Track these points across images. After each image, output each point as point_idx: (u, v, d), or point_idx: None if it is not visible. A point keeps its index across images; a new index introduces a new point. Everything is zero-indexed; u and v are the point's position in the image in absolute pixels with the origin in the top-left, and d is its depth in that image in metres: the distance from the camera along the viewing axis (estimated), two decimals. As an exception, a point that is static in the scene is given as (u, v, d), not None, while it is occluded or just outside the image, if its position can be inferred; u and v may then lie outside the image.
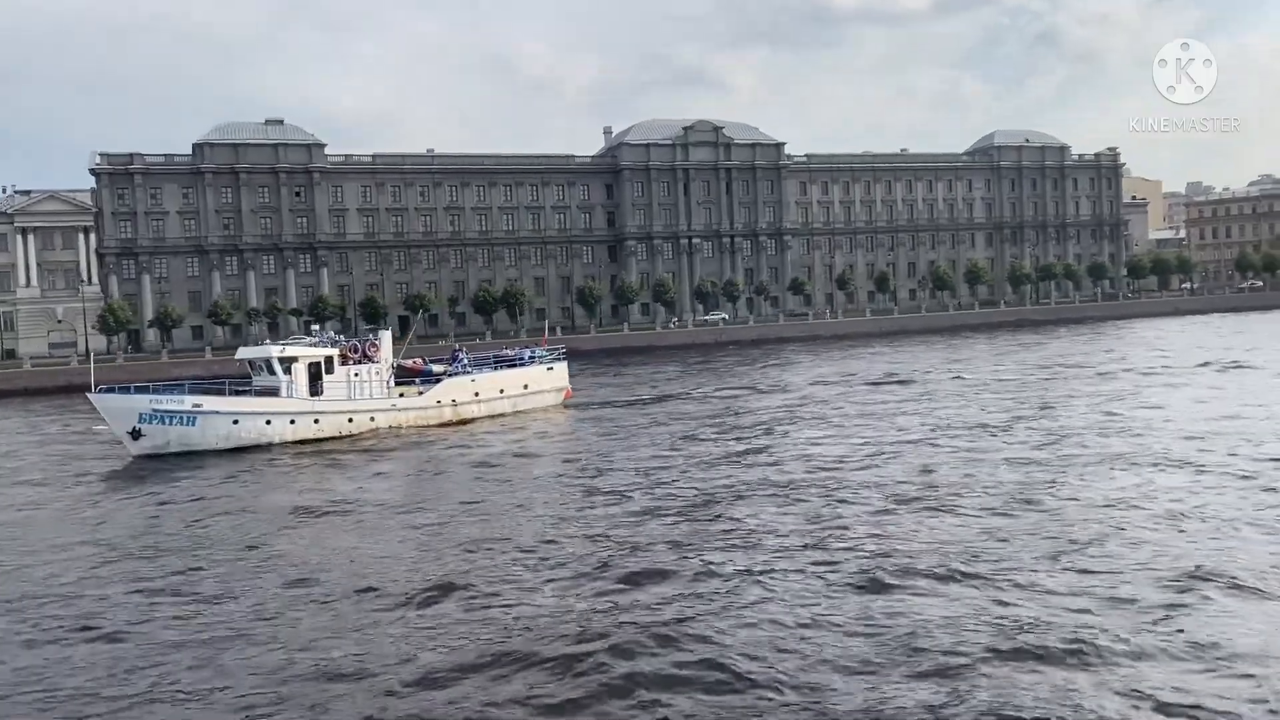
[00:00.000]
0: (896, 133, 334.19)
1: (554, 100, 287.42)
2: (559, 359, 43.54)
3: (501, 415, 39.91)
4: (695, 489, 23.69)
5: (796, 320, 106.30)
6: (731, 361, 71.52)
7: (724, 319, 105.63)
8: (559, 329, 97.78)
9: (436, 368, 40.08)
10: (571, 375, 44.89)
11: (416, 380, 39.00)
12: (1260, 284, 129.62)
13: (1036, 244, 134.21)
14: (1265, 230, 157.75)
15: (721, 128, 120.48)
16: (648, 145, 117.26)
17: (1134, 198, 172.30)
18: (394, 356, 38.98)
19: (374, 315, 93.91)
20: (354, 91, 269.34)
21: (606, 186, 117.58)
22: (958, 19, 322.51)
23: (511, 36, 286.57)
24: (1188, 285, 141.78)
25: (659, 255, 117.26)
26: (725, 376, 58.59)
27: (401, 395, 37.86)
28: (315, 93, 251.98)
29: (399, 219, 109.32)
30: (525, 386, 41.33)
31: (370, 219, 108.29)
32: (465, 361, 40.47)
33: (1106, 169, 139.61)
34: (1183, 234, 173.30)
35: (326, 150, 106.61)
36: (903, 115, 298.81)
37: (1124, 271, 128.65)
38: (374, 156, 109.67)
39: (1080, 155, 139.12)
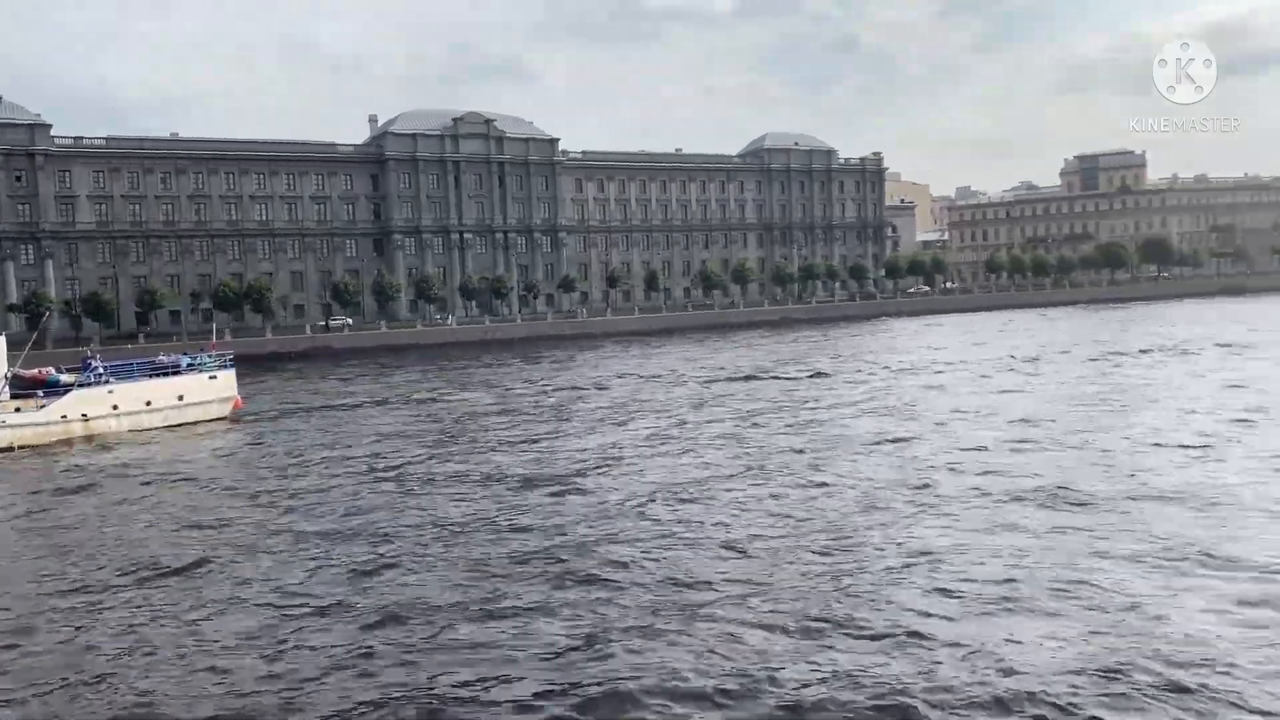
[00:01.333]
0: (702, 132, 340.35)
1: (360, 88, 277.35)
2: (224, 366, 39.86)
3: (149, 430, 36.16)
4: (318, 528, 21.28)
5: (566, 319, 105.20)
6: (473, 362, 69.29)
7: (453, 320, 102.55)
8: (309, 327, 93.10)
9: (66, 378, 35.80)
10: (309, 378, 41.39)
11: (39, 392, 34.71)
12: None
13: (805, 245, 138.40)
14: (1018, 233, 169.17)
15: (493, 120, 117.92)
16: (415, 135, 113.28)
17: (903, 201, 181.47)
18: (10, 364, 34.59)
19: (100, 312, 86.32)
20: (139, 73, 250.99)
21: (372, 177, 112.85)
22: (762, 23, 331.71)
23: (314, 18, 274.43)
24: (948, 285, 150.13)
25: (429, 250, 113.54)
26: (459, 378, 56.38)
27: (17, 410, 33.55)
28: (96, 74, 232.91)
29: (137, 207, 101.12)
30: (180, 398, 37.58)
31: (103, 207, 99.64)
32: (100, 370, 36.38)
33: (871, 173, 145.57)
34: (947, 236, 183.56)
35: (54, 132, 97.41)
36: (710, 115, 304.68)
37: (882, 272, 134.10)
38: (107, 139, 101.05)
39: (846, 159, 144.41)
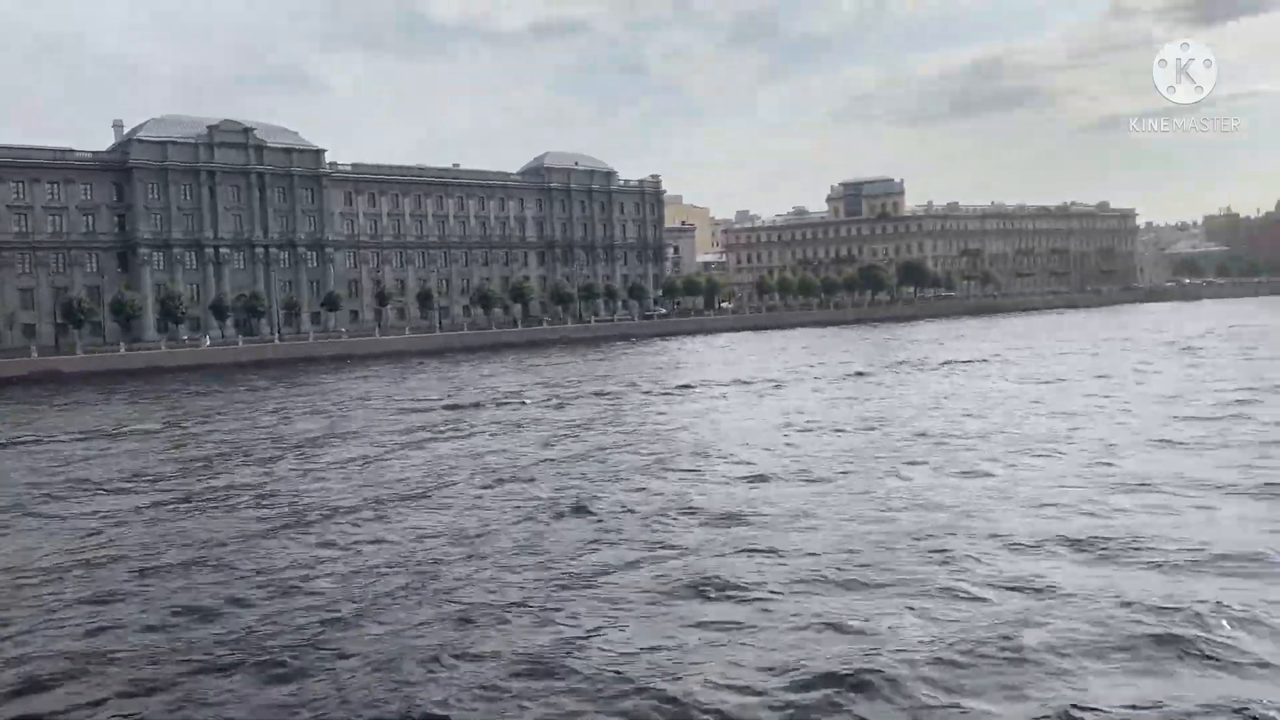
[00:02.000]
0: (496, 149, 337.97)
1: (135, 93, 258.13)
2: None
3: None
4: None
5: (330, 339, 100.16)
6: (209, 387, 64.26)
7: (207, 340, 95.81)
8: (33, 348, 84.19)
9: None
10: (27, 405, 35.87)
11: None
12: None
13: (586, 264, 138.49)
14: (789, 256, 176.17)
15: (253, 129, 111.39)
16: (165, 143, 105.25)
17: (683, 224, 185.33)
18: None
19: None
20: None
21: (116, 187, 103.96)
22: (556, 43, 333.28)
23: (79, 14, 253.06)
24: (726, 305, 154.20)
25: (180, 266, 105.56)
26: (190, 404, 51.72)
27: None
28: None
29: None
30: None
31: None
32: None
33: (650, 195, 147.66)
34: (725, 258, 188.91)
35: None
36: (504, 132, 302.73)
37: (660, 292, 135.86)
38: None
39: (626, 181, 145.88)
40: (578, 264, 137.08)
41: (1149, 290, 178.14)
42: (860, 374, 52.99)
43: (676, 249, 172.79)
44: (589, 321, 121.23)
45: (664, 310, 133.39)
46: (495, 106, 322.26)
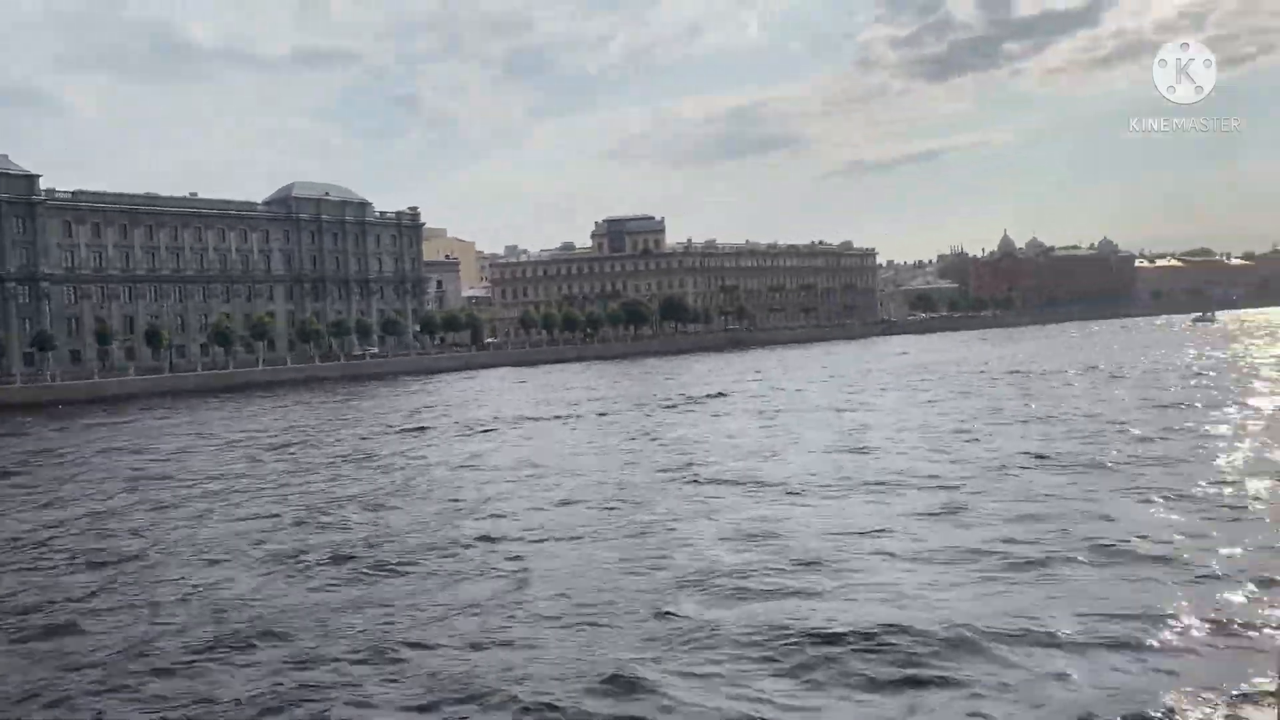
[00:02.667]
0: (253, 178, 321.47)
1: None
2: None
3: None
4: None
5: (36, 384, 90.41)
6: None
7: None
8: None
9: None
10: None
11: None
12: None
13: (340, 299, 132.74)
14: (555, 291, 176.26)
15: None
16: None
17: (448, 257, 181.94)
18: None
19: None
20: None
21: None
22: (322, 72, 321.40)
23: None
24: (492, 340, 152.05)
25: None
26: None
27: None
28: None
29: None
30: None
31: None
32: None
33: (408, 227, 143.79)
34: (491, 293, 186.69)
35: None
36: (267, 161, 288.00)
37: (418, 328, 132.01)
38: None
39: (383, 213, 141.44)
40: (329, 299, 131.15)
41: (888, 324, 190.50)
42: (610, 411, 52.56)
43: (440, 283, 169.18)
44: (339, 359, 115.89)
45: (422, 346, 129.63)
46: (255, 135, 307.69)
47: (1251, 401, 41.22)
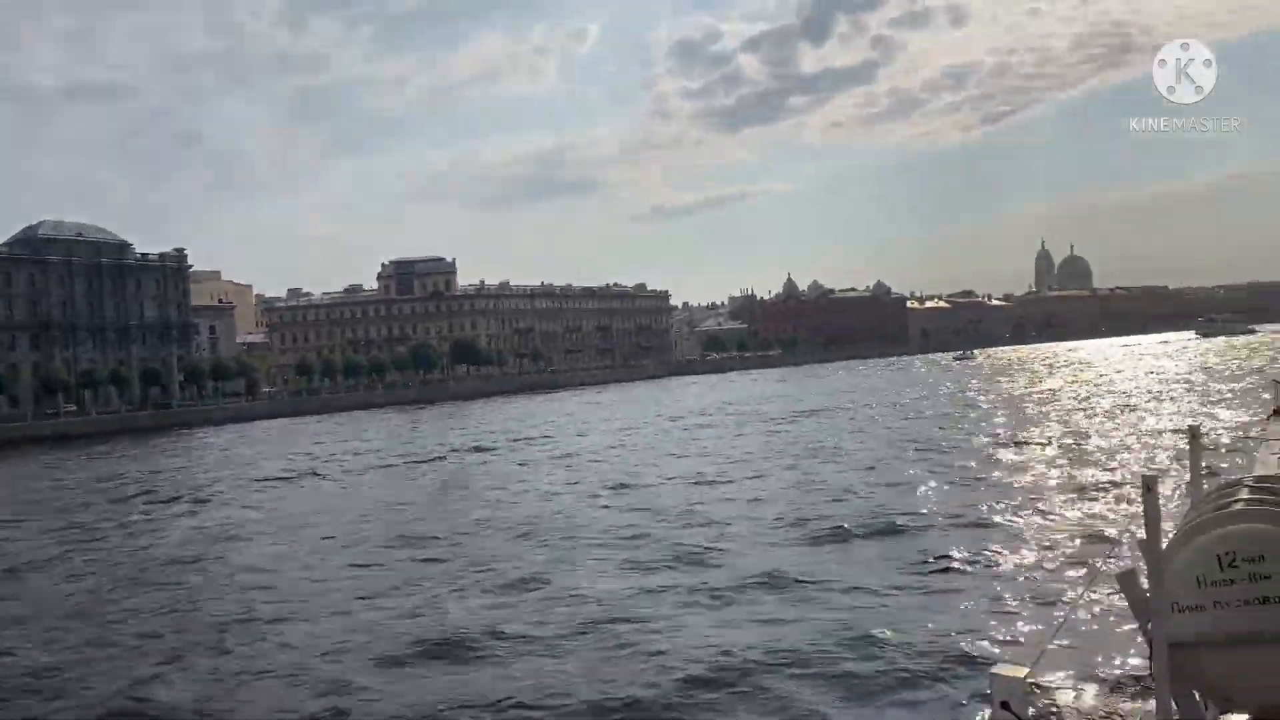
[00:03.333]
0: (17, 221, 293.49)
1: None
2: None
3: None
4: None
5: None
6: None
7: None
8: None
9: None
10: None
11: None
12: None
13: (94, 347, 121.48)
14: (339, 336, 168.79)
15: None
16: None
17: (221, 301, 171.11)
18: None
19: None
20: None
21: None
22: (92, 107, 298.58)
23: None
24: (268, 390, 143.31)
25: None
26: None
27: None
28: None
29: None
30: None
31: None
32: None
33: (172, 270, 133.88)
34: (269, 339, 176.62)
35: None
36: (24, 200, 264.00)
37: (182, 377, 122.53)
38: None
39: (145, 255, 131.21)
40: (82, 347, 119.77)
41: (681, 365, 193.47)
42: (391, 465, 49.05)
43: (214, 329, 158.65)
44: (90, 414, 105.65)
45: (187, 397, 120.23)
46: (14, 172, 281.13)
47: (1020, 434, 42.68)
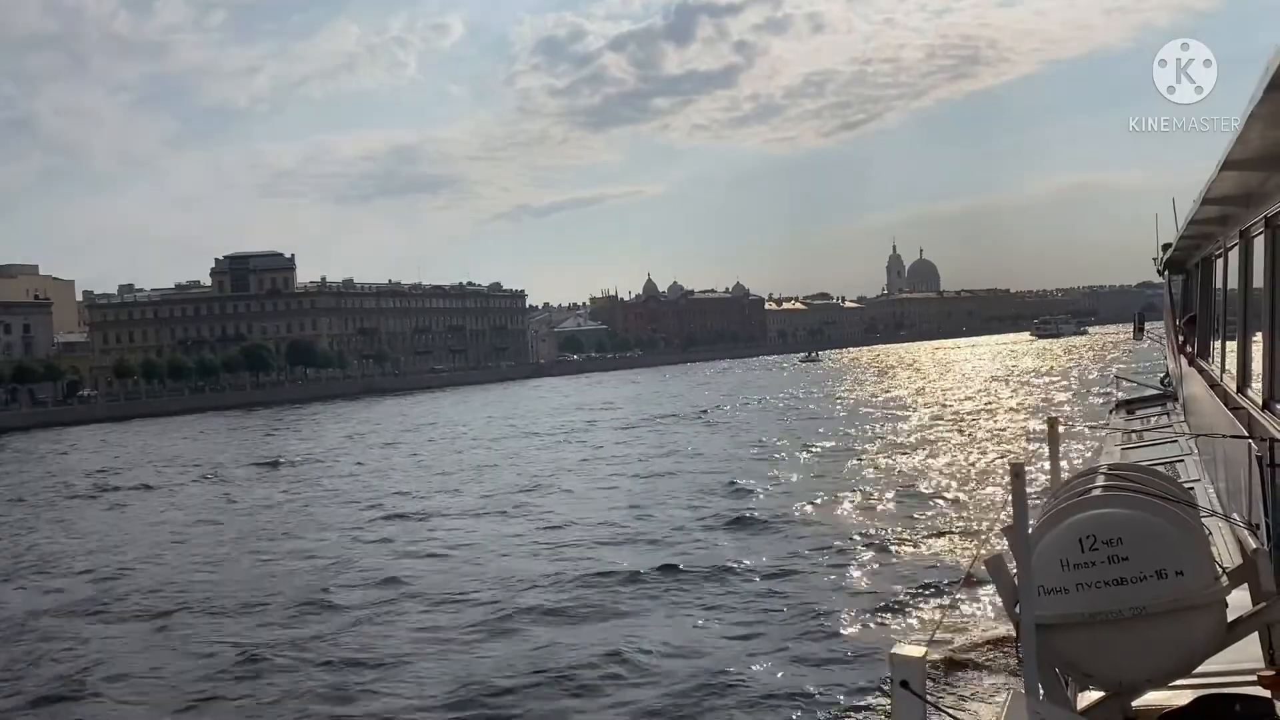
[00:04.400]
0: None
1: None
2: None
3: None
4: None
5: None
6: None
7: None
8: None
9: None
10: None
11: None
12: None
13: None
14: (169, 335, 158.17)
15: None
16: None
17: (36, 297, 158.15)
18: None
19: None
20: None
21: None
22: None
23: None
24: (86, 393, 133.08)
25: None
26: None
27: None
28: None
29: None
30: None
31: None
32: None
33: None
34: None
35: None
36: None
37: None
38: None
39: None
40: None
41: (536, 366, 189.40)
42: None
43: (28, 327, 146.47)
44: None
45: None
46: None
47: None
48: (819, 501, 25.41)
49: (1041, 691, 4.57)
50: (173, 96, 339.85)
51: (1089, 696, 4.91)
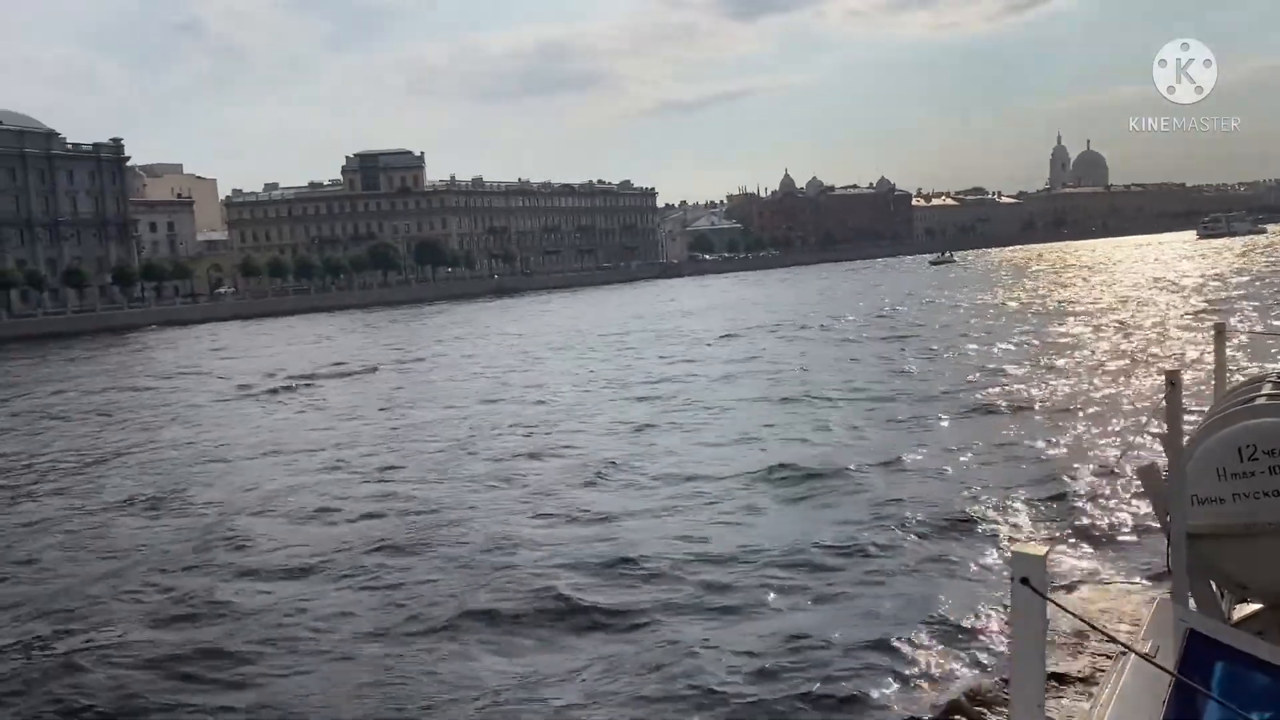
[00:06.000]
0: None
1: None
2: None
3: None
4: None
5: None
6: None
7: None
8: None
9: None
10: None
11: None
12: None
13: (23, 244, 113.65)
14: (302, 233, 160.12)
15: None
16: None
17: (180, 196, 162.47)
18: None
19: None
20: None
21: None
22: None
23: None
24: (224, 290, 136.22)
25: None
26: None
27: None
28: None
29: None
30: None
31: None
32: None
33: (108, 162, 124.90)
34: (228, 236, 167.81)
35: None
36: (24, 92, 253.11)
37: (109, 278, 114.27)
38: None
39: (77, 145, 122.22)
40: (8, 245, 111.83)
41: (664, 266, 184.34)
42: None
43: (172, 226, 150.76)
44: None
45: (110, 300, 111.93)
46: (15, 58, 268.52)
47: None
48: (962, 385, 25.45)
49: (1192, 602, 4.47)
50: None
51: (1245, 610, 4.80)
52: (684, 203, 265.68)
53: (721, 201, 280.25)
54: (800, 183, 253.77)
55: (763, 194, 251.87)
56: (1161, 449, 4.58)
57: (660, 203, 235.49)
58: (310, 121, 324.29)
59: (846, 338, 46.13)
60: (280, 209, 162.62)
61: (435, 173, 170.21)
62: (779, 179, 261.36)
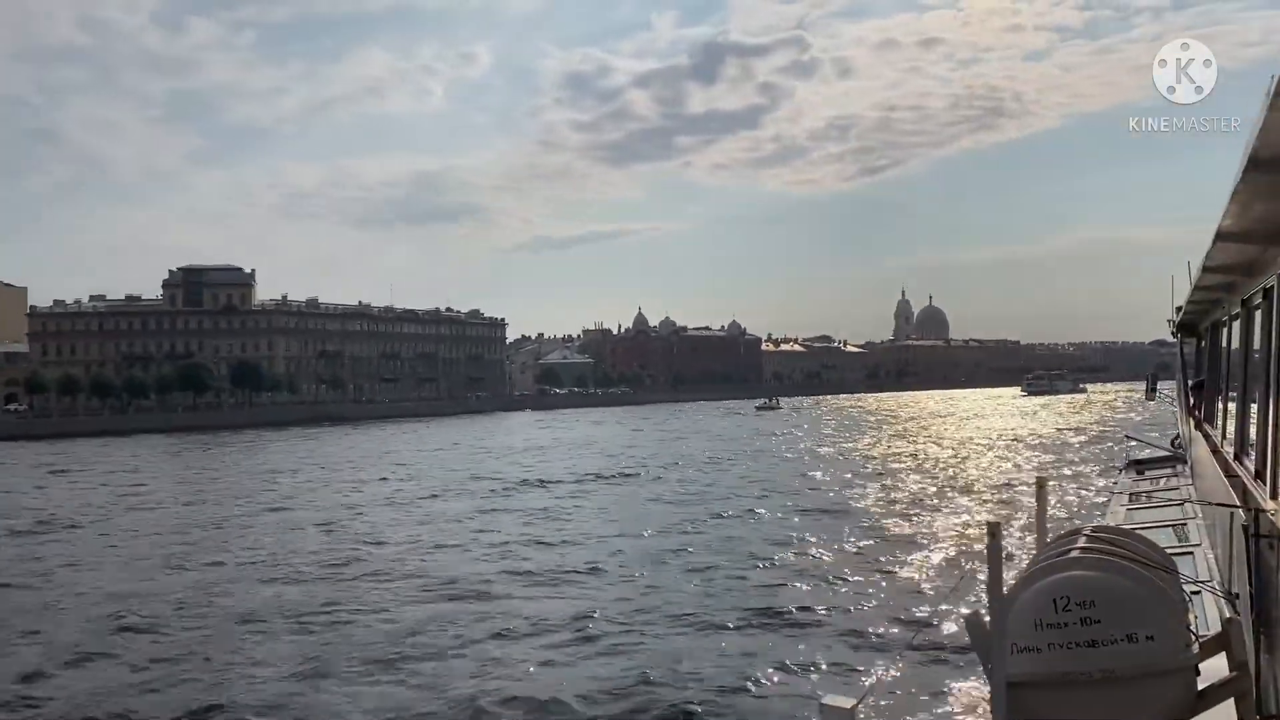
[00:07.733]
0: None
1: None
2: None
3: None
4: None
5: None
6: None
7: None
8: None
9: None
10: None
11: None
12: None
13: None
14: (114, 349, 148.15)
15: None
16: None
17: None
18: None
19: None
20: None
21: None
22: None
23: None
24: (13, 407, 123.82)
25: None
26: None
27: None
28: None
29: None
30: None
31: None
32: None
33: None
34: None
35: None
36: None
37: None
38: None
39: None
40: None
41: (508, 400, 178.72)
42: None
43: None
44: None
45: None
46: None
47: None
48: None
49: None
50: (199, 112, 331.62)
51: None
52: (540, 335, 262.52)
53: (577, 336, 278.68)
54: (654, 321, 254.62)
55: (617, 331, 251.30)
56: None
57: (516, 334, 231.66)
58: (162, 236, 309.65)
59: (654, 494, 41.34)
60: (90, 322, 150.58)
61: (298, 293, 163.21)
62: (627, 316, 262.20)
